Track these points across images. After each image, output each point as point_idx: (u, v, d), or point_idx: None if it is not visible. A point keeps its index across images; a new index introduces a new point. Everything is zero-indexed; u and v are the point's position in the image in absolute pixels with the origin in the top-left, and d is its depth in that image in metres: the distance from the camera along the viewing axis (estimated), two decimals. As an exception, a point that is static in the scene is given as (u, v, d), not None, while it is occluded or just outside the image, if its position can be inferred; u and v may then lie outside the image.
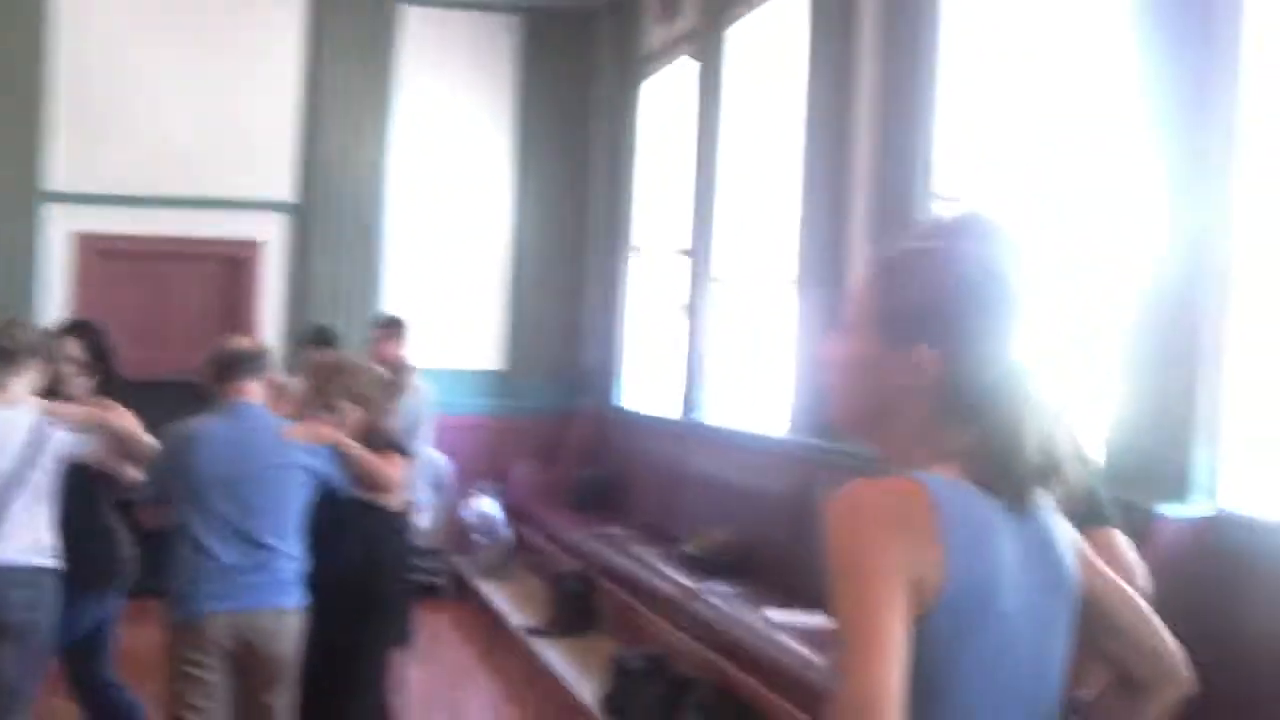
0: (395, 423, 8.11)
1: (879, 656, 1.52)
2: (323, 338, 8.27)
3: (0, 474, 4.40)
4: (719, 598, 6.59)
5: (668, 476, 8.96)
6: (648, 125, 10.47)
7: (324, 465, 4.41)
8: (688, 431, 8.89)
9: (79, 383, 5.02)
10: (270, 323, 10.35)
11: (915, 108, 6.28)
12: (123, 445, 4.62)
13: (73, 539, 4.58)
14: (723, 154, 8.84)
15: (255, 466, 4.29)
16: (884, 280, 1.75)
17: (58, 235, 10.29)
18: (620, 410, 10.38)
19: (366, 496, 4.59)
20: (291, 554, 4.37)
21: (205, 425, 4.39)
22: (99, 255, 10.36)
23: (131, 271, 10.47)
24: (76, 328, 5.41)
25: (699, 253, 9.06)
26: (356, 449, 4.49)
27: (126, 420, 4.65)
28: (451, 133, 10.93)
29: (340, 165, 10.57)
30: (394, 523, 4.80)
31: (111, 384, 5.17)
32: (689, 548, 7.56)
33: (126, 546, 5.02)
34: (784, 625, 5.94)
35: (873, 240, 6.60)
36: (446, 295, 10.82)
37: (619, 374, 10.54)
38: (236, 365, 4.43)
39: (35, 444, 4.45)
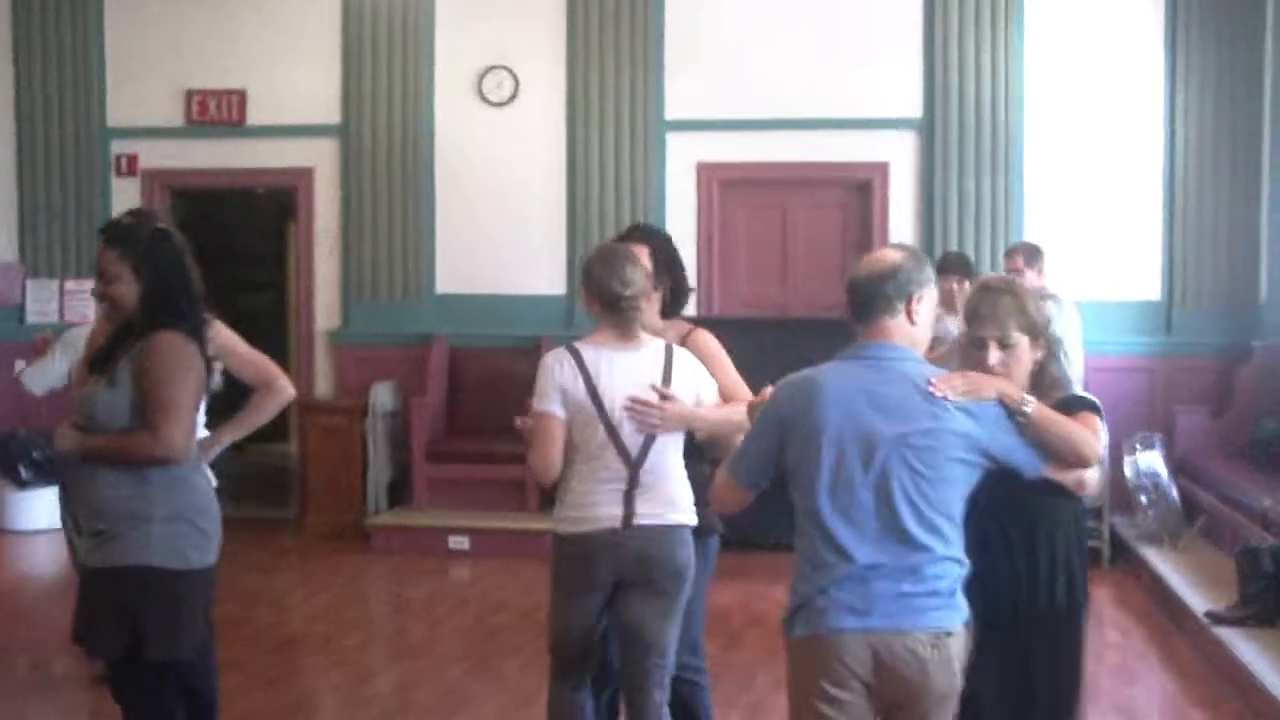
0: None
1: None
2: (962, 265, 7.29)
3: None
4: None
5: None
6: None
7: (992, 432, 3.23)
8: None
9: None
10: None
11: None
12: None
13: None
14: None
15: (901, 431, 3.18)
16: None
17: (680, 166, 9.93)
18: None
19: (1057, 478, 3.38)
20: (953, 555, 3.23)
21: (828, 374, 3.31)
22: (721, 185, 9.89)
23: (753, 200, 9.92)
24: (642, 233, 4.74)
25: None
26: (1044, 410, 3.31)
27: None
28: (1092, 31, 9.49)
29: (970, 77, 9.45)
30: (1078, 510, 3.66)
31: (679, 299, 4.61)
32: None
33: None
34: None
35: None
36: (1092, 215, 9.43)
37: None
38: (876, 293, 3.29)
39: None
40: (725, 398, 4.30)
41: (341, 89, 10.21)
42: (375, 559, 9.06)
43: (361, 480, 9.78)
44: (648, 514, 4.09)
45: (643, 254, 4.35)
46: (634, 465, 4.08)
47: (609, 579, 4.12)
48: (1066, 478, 3.41)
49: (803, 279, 9.83)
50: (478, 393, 9.89)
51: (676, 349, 4.22)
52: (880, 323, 3.29)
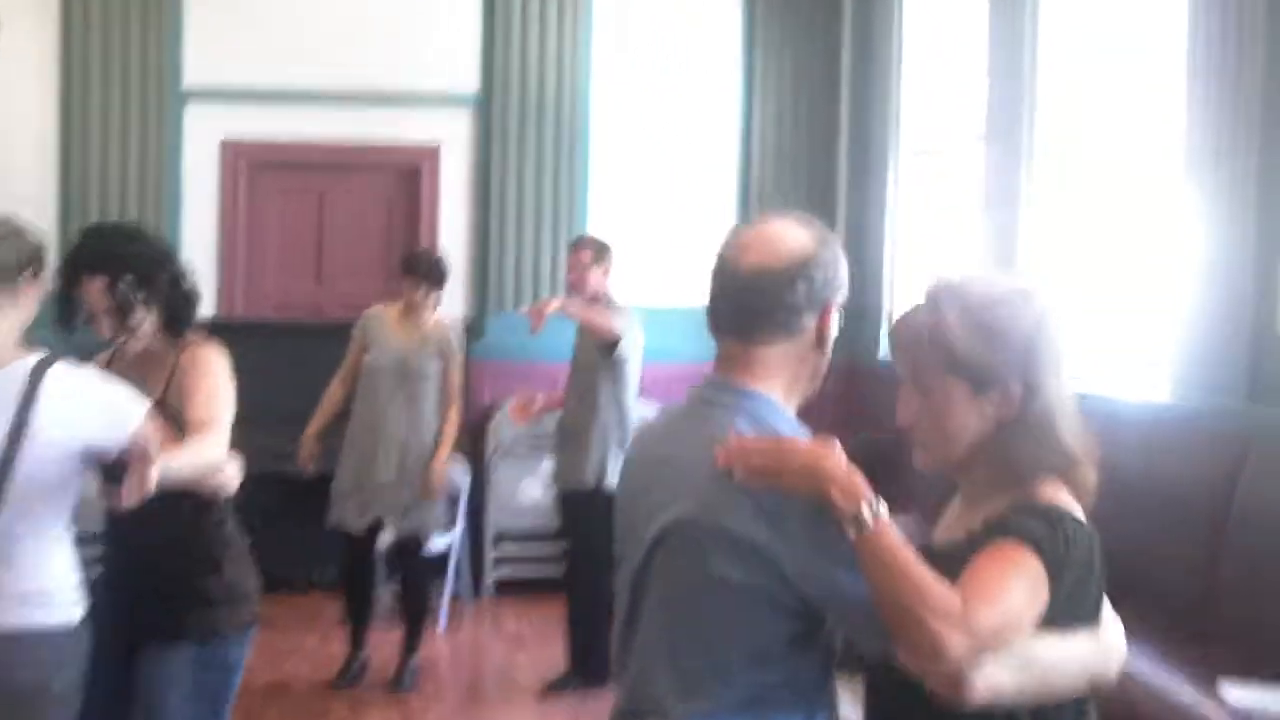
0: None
1: None
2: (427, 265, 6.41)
3: None
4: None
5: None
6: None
7: (798, 551, 2.04)
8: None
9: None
10: (449, 248, 8.29)
11: None
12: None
13: None
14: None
15: (665, 520, 2.23)
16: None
17: (201, 143, 8.46)
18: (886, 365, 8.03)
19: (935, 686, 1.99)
20: None
21: (645, 430, 2.48)
22: (250, 167, 8.49)
23: (286, 185, 8.57)
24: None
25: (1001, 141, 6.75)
26: (891, 535, 1.95)
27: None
28: (667, 26, 8.67)
29: (534, 54, 8.44)
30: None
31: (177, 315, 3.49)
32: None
33: None
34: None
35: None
36: (663, 216, 8.57)
37: (886, 318, 8.18)
38: (770, 301, 2.14)
39: None
40: (193, 428, 3.16)
41: None
42: None
43: None
44: None
45: None
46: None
47: None
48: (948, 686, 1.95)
49: (341, 276, 8.55)
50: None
51: (51, 372, 2.86)
52: (759, 349, 2.13)
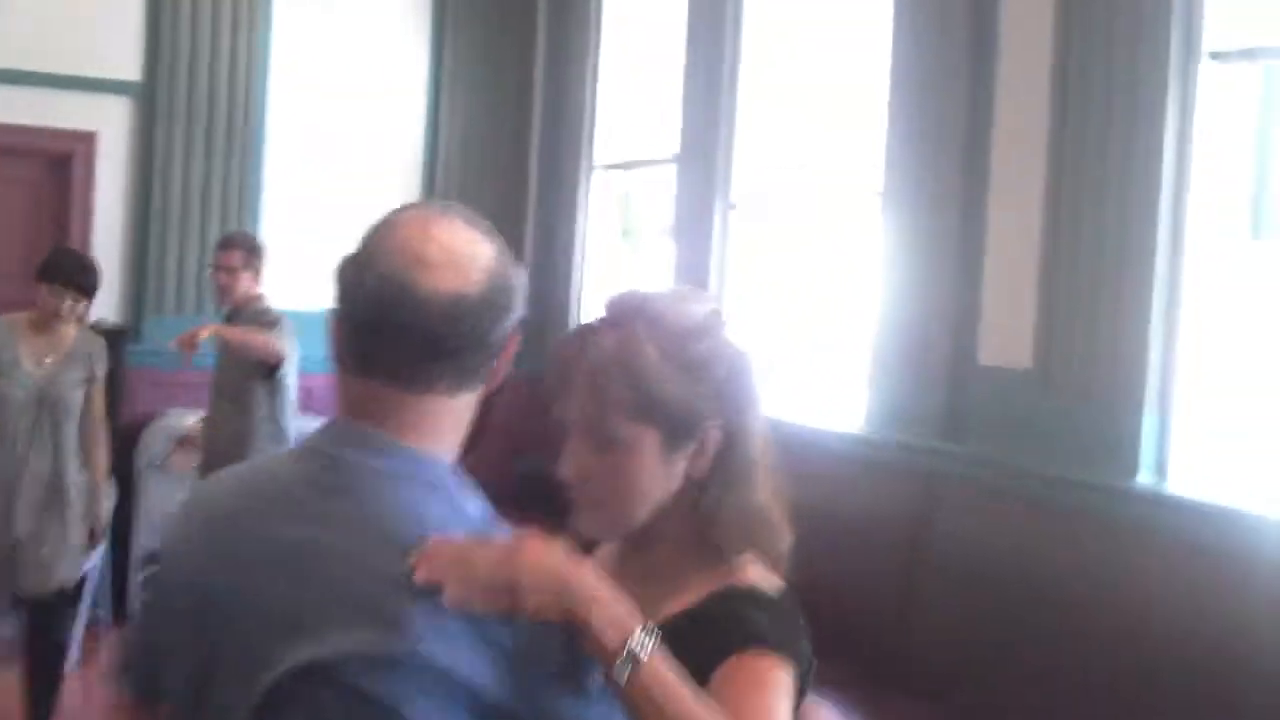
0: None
1: None
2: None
3: None
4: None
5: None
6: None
7: (532, 693, 1.42)
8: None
9: None
10: (104, 245, 7.58)
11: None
12: None
13: None
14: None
15: (317, 653, 1.44)
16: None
17: None
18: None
19: None
20: None
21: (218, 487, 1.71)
22: None
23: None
24: None
25: (696, 163, 6.63)
26: (663, 671, 1.46)
27: None
28: (346, 18, 8.20)
29: (205, 42, 7.83)
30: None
31: None
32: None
33: None
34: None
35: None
36: (340, 219, 8.04)
37: (564, 324, 7.94)
38: (439, 331, 1.41)
39: None
40: None
41: None
42: None
43: None
44: None
45: None
46: None
47: None
48: None
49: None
50: None
51: None
52: (437, 399, 1.52)
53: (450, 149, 8.33)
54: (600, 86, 7.98)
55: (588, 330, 1.75)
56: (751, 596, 1.70)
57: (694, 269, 6.50)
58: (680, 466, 1.71)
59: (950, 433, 4.56)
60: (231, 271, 5.70)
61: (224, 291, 5.75)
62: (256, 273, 5.78)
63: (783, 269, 6.14)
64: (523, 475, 7.33)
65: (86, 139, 7.75)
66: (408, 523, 1.44)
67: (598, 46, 8.01)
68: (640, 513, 1.72)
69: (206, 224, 7.77)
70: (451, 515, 1.48)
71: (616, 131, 7.92)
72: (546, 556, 1.43)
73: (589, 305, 7.89)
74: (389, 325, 1.49)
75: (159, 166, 7.77)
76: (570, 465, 1.71)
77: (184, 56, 7.81)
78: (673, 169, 7.04)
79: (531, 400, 7.04)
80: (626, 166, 7.89)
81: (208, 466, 5.69)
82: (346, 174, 8.14)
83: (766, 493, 1.75)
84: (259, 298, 5.76)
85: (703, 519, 1.72)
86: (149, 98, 7.80)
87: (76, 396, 5.28)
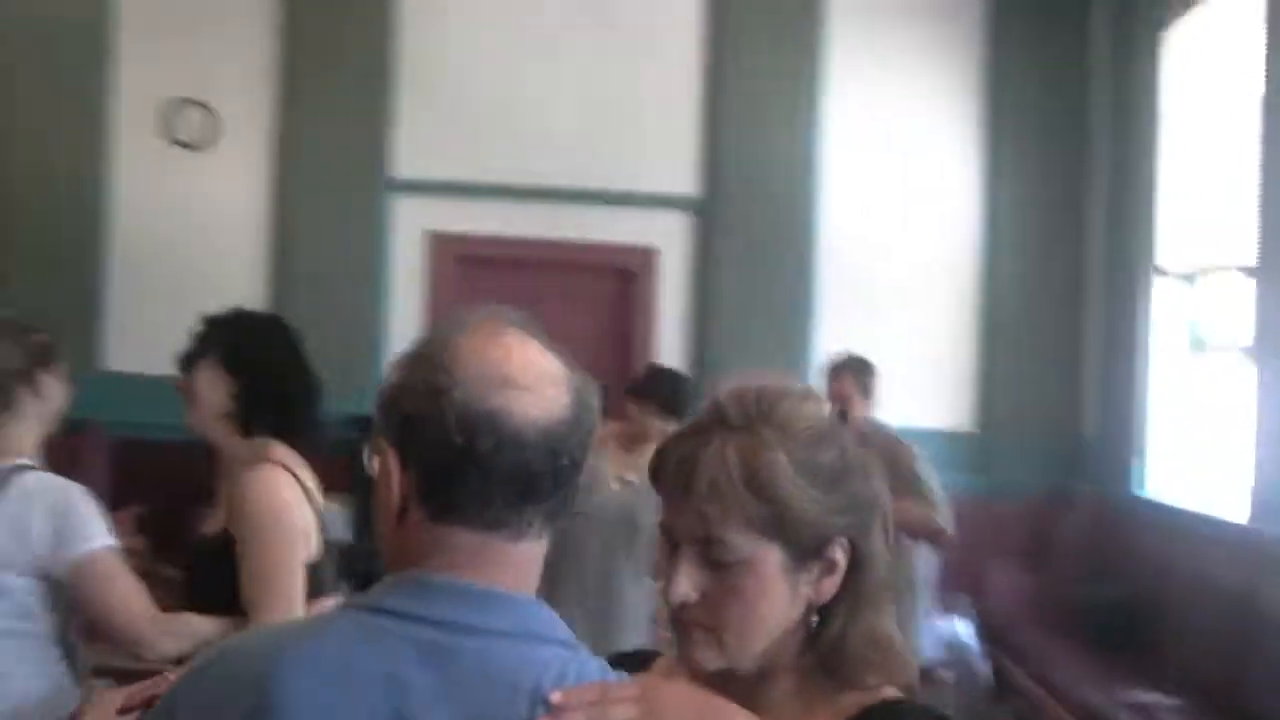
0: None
1: None
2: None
3: None
4: None
5: (1231, 615, 5.91)
6: (1176, 93, 7.45)
7: None
8: (1263, 546, 5.86)
9: None
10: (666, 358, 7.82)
11: None
12: None
13: None
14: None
15: None
16: None
17: (408, 235, 8.19)
18: (1141, 501, 7.32)
19: None
20: None
21: (303, 654, 1.38)
22: (457, 261, 8.17)
23: (498, 283, 8.22)
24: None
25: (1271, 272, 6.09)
26: None
27: None
28: (895, 125, 8.15)
29: (758, 156, 7.99)
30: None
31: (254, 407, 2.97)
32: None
33: None
34: None
35: None
36: (893, 330, 7.92)
37: (1139, 448, 7.49)
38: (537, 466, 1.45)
39: None
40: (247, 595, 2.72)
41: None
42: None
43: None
44: None
45: None
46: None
47: None
48: None
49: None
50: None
51: (21, 478, 2.85)
52: (528, 546, 1.40)
53: (1001, 256, 8.12)
54: (1162, 189, 7.52)
55: (702, 430, 1.53)
56: (908, 708, 1.54)
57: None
58: (804, 590, 1.52)
59: None
60: (844, 399, 5.39)
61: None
62: (868, 395, 5.56)
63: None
64: (1087, 599, 7.01)
65: (649, 254, 8.05)
66: (529, 676, 1.32)
67: (1156, 149, 7.55)
68: (760, 642, 1.52)
69: (767, 335, 7.86)
70: (572, 661, 1.36)
71: (1183, 237, 7.43)
72: (683, 694, 1.36)
73: (1156, 421, 7.42)
74: (475, 463, 1.34)
75: (717, 279, 7.97)
76: (683, 584, 1.49)
77: (739, 169, 8.02)
78: (1250, 281, 6.51)
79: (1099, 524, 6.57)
80: (1190, 277, 7.37)
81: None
82: (900, 280, 8.07)
83: (891, 618, 1.56)
84: (869, 418, 5.53)
85: (826, 649, 1.53)
86: (708, 212, 8.02)
87: (650, 519, 5.21)
